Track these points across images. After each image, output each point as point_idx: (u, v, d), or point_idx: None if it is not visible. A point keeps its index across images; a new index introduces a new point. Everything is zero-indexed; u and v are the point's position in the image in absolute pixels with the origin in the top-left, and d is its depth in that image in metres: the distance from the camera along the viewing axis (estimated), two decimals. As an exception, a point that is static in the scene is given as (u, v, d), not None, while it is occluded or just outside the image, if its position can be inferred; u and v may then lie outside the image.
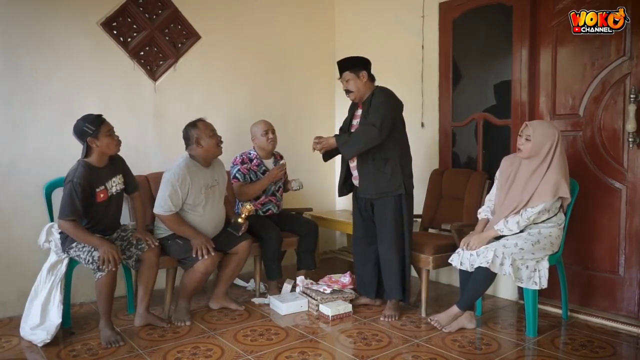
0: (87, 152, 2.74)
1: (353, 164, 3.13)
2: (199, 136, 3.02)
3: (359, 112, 3.11)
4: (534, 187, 2.68)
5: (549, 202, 2.65)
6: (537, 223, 2.74)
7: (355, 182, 3.16)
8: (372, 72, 3.11)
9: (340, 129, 3.29)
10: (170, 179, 2.94)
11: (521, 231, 2.72)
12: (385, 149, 2.97)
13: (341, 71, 3.06)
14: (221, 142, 3.11)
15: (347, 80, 3.03)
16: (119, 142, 2.83)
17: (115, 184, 2.86)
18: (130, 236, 2.92)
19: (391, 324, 2.98)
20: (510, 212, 2.72)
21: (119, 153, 2.90)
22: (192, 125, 3.05)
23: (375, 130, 2.88)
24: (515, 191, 2.75)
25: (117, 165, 2.90)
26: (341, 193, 3.29)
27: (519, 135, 2.77)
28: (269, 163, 3.65)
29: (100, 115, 2.77)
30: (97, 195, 2.75)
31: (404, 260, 3.05)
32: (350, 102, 3.24)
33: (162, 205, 2.94)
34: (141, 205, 3.06)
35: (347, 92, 3.07)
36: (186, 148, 3.09)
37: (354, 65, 3.03)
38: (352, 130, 3.09)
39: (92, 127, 2.69)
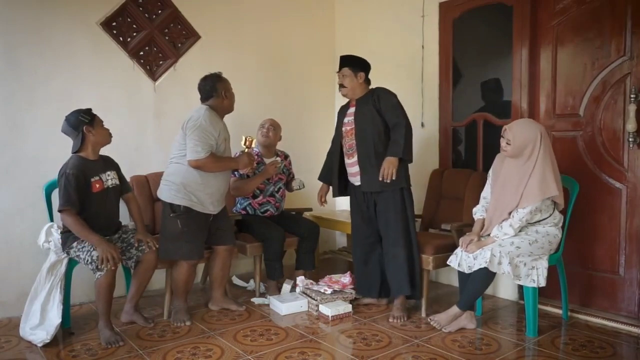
0: (80, 146, 2.76)
1: (352, 160, 3.13)
2: (227, 88, 3.06)
3: (351, 110, 3.17)
4: (522, 188, 2.67)
5: (539, 203, 2.65)
6: (532, 223, 2.73)
7: (353, 179, 3.16)
8: (372, 72, 3.18)
9: (333, 141, 3.39)
10: (200, 124, 2.85)
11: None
12: (387, 144, 3.00)
13: (341, 66, 3.14)
14: None
15: (344, 76, 3.12)
16: (110, 134, 2.88)
17: (110, 178, 2.88)
18: (131, 237, 2.92)
19: (392, 324, 2.98)
20: (503, 219, 2.72)
21: (111, 155, 2.96)
22: (217, 78, 3.06)
23: (406, 120, 2.98)
24: (506, 194, 2.74)
25: (109, 162, 2.94)
26: (337, 194, 3.29)
27: (501, 137, 2.77)
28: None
29: (90, 108, 2.82)
30: (93, 185, 2.76)
31: (411, 255, 3.04)
32: (341, 104, 3.33)
33: (200, 149, 2.83)
34: (137, 206, 3.05)
35: (341, 86, 3.15)
36: (205, 100, 3.05)
37: (354, 64, 3.12)
38: (347, 127, 3.16)
39: (87, 117, 2.75)
